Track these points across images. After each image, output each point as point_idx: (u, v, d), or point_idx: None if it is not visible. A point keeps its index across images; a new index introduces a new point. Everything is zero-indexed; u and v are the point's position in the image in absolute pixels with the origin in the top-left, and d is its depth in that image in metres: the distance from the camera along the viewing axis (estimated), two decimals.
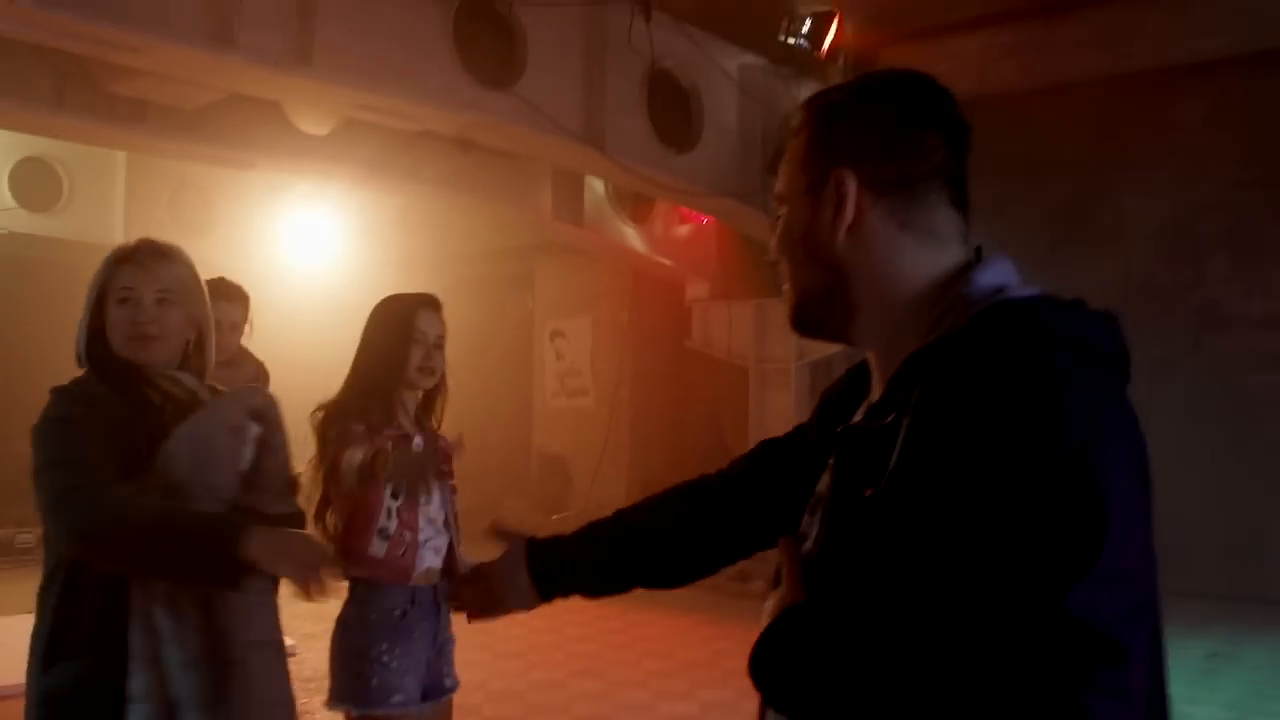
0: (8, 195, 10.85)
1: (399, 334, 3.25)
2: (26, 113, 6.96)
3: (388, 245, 13.46)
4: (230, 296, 4.32)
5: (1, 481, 8.58)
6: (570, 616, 8.45)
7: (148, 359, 2.39)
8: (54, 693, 2.25)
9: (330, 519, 3.18)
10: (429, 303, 3.35)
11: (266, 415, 2.46)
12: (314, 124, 8.06)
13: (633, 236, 10.52)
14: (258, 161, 8.10)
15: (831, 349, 10.19)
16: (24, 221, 11.06)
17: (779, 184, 1.43)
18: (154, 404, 2.38)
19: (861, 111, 1.37)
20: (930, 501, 1.13)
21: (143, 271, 2.39)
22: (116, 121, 7.17)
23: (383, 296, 3.41)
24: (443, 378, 3.38)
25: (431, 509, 3.28)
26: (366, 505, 3.14)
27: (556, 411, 12.66)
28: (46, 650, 2.25)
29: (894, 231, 1.34)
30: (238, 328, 4.39)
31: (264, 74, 5.81)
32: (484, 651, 6.92)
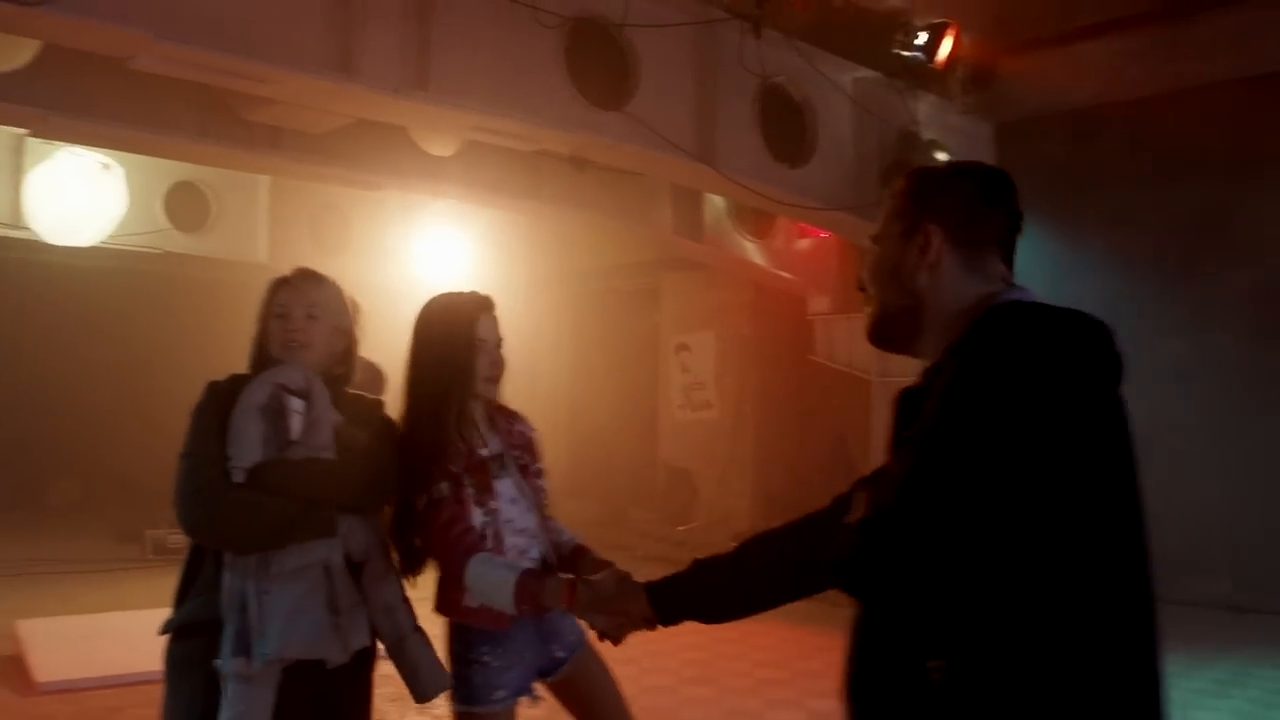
0: (162, 217, 11.41)
1: (462, 344, 3.02)
2: (173, 142, 7.39)
3: (515, 262, 13.71)
4: None
5: (156, 485, 9.10)
6: (684, 627, 8.53)
7: (296, 362, 2.85)
8: (179, 625, 2.77)
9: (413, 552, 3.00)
10: (487, 306, 3.12)
11: (303, 387, 2.82)
12: (438, 146, 8.35)
13: (753, 251, 10.57)
14: (386, 183, 8.44)
15: None
16: (177, 241, 11.62)
17: (878, 228, 1.91)
18: None
19: (952, 184, 1.88)
20: (953, 432, 1.59)
21: (295, 293, 2.90)
22: (254, 147, 7.56)
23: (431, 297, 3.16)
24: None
25: (515, 517, 3.04)
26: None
27: (682, 424, 12.75)
28: (177, 596, 2.81)
29: (960, 274, 1.82)
30: None
31: (383, 100, 6.09)
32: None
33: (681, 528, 12.02)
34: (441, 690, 2.90)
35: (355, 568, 2.80)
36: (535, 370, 13.40)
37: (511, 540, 3.01)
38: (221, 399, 2.77)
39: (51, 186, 10.36)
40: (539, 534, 3.12)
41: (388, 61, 6.02)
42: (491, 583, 2.79)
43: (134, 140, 7.30)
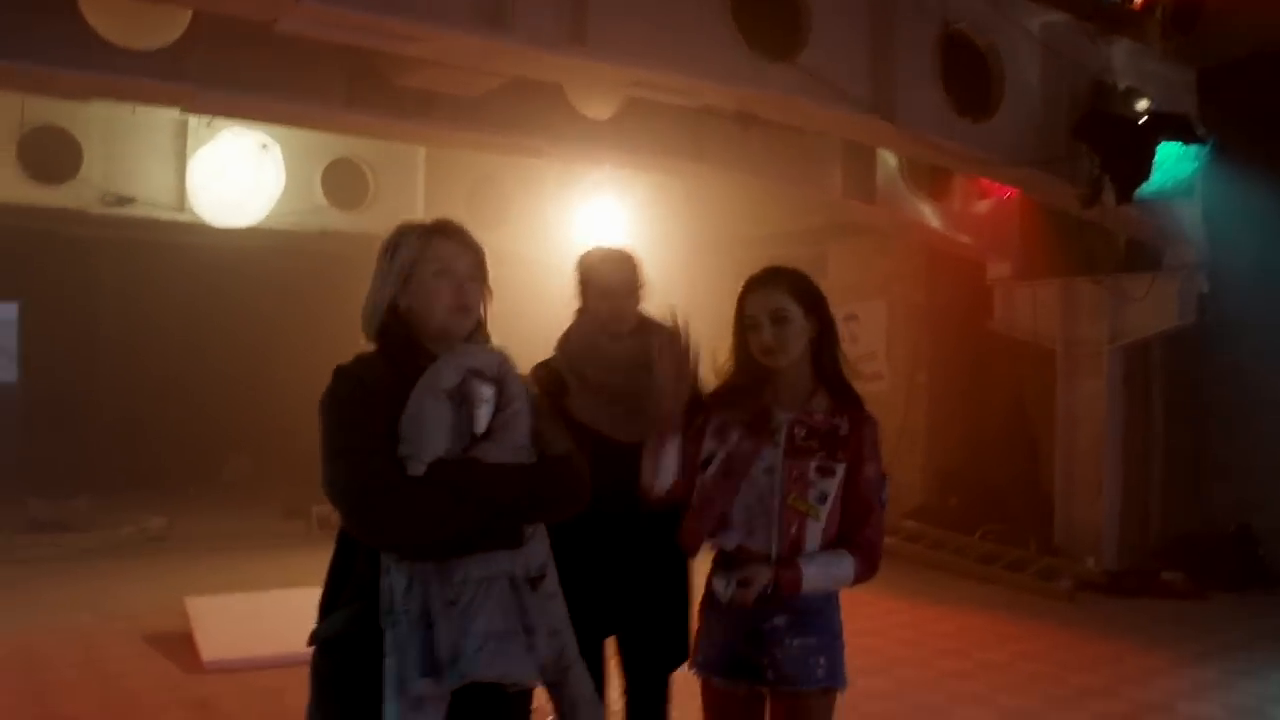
0: (320, 195, 11.46)
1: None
2: (324, 112, 7.22)
3: (675, 231, 13.43)
4: None
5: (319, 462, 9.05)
6: (856, 610, 8.08)
7: (460, 331, 2.50)
8: (327, 637, 2.43)
9: None
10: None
11: (497, 374, 2.46)
12: (596, 107, 8.03)
13: (929, 213, 10.00)
14: (544, 148, 8.13)
15: (1148, 329, 9.37)
16: (334, 219, 11.65)
17: None
18: None
19: None
20: None
21: (458, 245, 2.51)
22: (406, 115, 7.33)
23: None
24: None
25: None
26: None
27: None
28: (323, 601, 2.47)
29: None
30: None
31: (538, 55, 5.72)
32: None
33: None
34: None
35: (529, 582, 2.42)
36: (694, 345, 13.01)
37: None
38: (363, 385, 2.40)
39: (213, 169, 10.51)
40: None
41: (542, 15, 5.68)
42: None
43: (284, 112, 7.17)
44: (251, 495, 13.94)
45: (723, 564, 2.93)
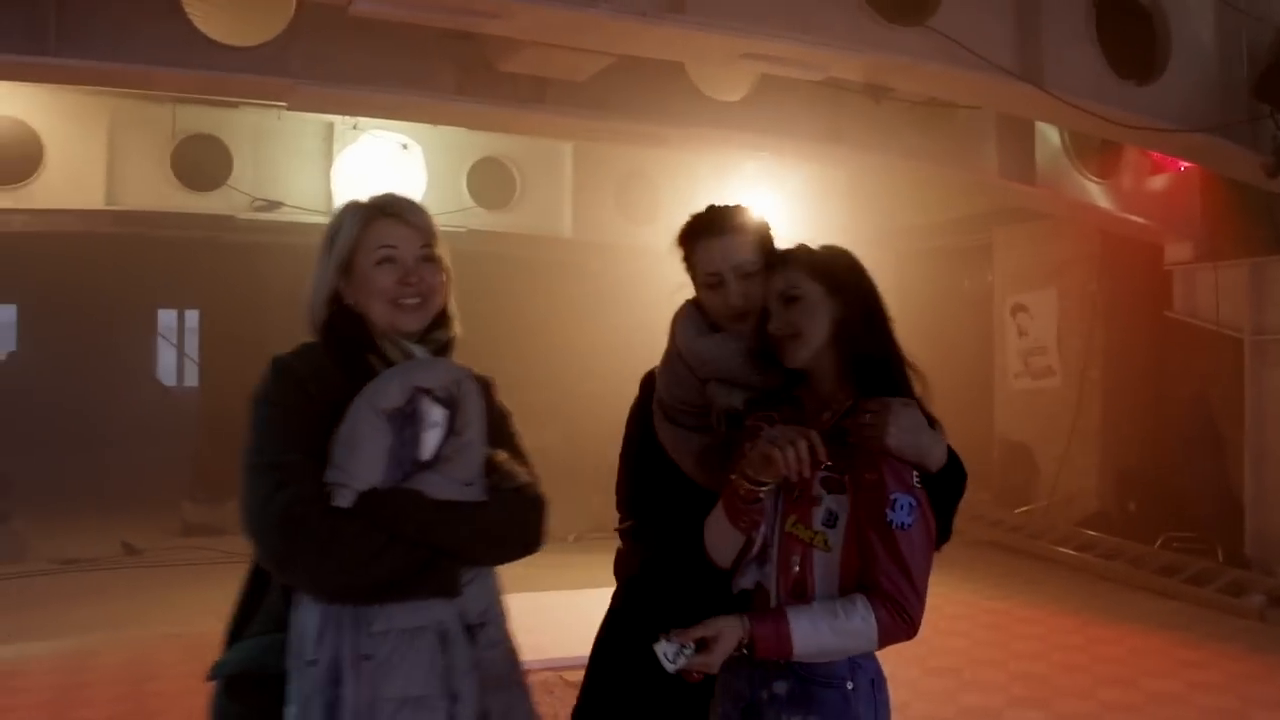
0: (466, 195, 11.36)
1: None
2: (432, 103, 6.97)
3: (834, 223, 12.88)
4: None
5: None
6: (1019, 629, 7.41)
7: (409, 326, 2.15)
8: (232, 674, 2.08)
9: None
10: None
11: (451, 394, 2.08)
12: (723, 88, 7.58)
13: (1097, 193, 9.19)
14: (667, 133, 7.69)
15: None
16: (482, 219, 11.54)
17: None
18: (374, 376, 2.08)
19: None
20: None
21: (404, 226, 2.17)
22: (518, 102, 7.02)
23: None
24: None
25: None
26: None
27: (1020, 394, 11.44)
28: (233, 621, 2.14)
29: None
30: None
31: (632, 27, 5.32)
32: (915, 666, 6.11)
33: (1020, 510, 10.82)
34: None
35: (468, 631, 2.04)
36: None
37: None
38: (302, 389, 2.04)
39: (356, 170, 10.50)
40: None
41: None
42: None
43: (391, 104, 6.94)
44: None
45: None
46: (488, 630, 2.06)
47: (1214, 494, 9.29)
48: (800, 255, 2.35)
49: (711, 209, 2.71)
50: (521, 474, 2.13)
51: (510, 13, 5.16)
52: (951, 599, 7.92)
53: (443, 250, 2.21)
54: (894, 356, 2.31)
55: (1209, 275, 9.33)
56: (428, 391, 2.04)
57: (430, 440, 2.02)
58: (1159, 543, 9.23)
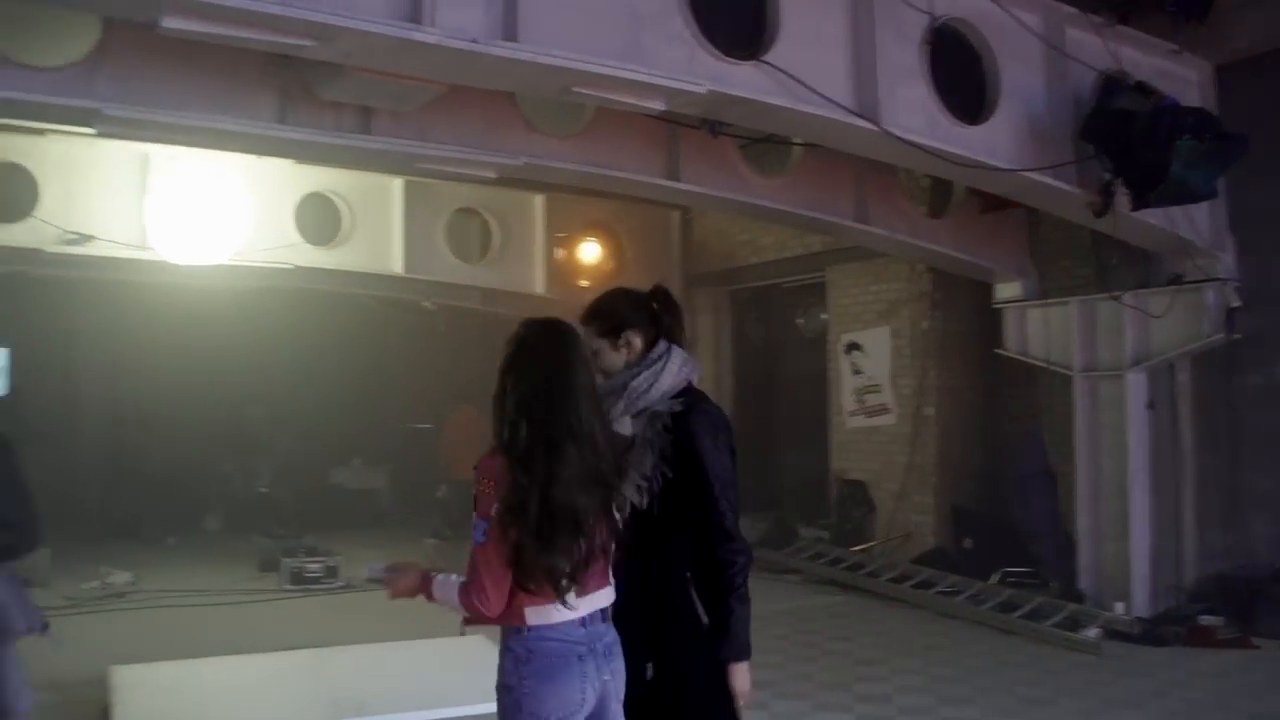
0: (294, 231, 10.87)
1: None
2: (250, 131, 6.52)
3: (670, 264, 12.89)
4: None
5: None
6: (859, 670, 7.28)
7: None
8: None
9: None
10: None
11: None
12: (555, 124, 7.37)
13: (928, 231, 9.27)
14: (496, 168, 7.37)
15: (1173, 348, 8.56)
16: (309, 255, 11.07)
17: None
18: None
19: None
20: None
21: None
22: (341, 132, 6.64)
23: None
24: None
25: None
26: None
27: (856, 432, 11.52)
28: None
29: None
30: None
31: (462, 55, 5.02)
32: (757, 712, 5.88)
33: (859, 548, 10.80)
34: None
35: None
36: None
37: None
38: None
39: (170, 205, 9.94)
40: None
41: (468, 7, 5.02)
42: None
43: (207, 131, 6.46)
44: (231, 546, 13.17)
45: None
46: None
47: (1047, 529, 9.38)
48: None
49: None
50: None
51: (331, 35, 4.82)
52: (794, 640, 7.87)
53: None
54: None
55: (1038, 313, 9.49)
56: None
57: None
58: (995, 578, 9.28)
